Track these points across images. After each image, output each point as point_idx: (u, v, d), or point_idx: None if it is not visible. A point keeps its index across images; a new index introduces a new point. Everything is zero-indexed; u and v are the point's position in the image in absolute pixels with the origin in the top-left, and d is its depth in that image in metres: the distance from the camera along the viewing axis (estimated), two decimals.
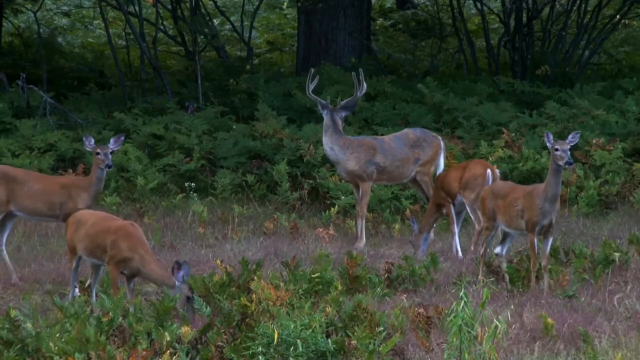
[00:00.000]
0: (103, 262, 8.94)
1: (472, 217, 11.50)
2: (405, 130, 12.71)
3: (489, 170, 11.46)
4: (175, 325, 7.69)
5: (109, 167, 10.36)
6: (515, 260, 9.94)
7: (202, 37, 18.32)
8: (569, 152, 9.40)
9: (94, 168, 10.44)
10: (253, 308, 8.11)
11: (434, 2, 21.03)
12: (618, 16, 19.43)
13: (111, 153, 10.37)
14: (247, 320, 7.90)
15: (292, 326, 7.50)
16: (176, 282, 8.58)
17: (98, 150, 10.32)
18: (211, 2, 20.89)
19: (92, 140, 10.43)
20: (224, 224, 12.77)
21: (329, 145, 12.14)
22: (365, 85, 12.41)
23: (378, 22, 23.21)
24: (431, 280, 9.89)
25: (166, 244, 11.89)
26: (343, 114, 12.26)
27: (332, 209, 12.82)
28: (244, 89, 17.53)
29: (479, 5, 19.67)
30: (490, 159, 13.94)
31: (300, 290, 8.88)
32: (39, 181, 10.71)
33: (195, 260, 11.03)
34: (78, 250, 9.12)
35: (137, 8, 17.77)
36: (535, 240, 9.50)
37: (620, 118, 15.50)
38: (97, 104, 17.16)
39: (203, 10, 18.74)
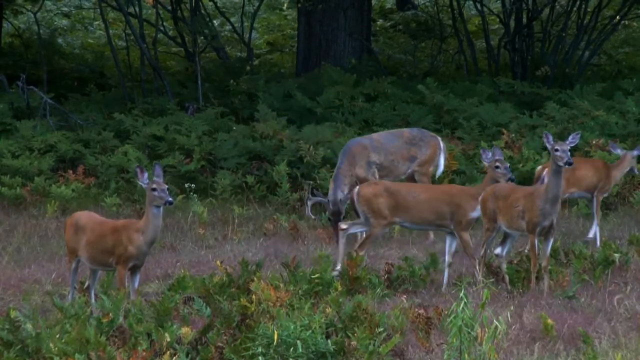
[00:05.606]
0: None
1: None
2: (402, 129, 12.72)
3: None
4: (175, 326, 7.69)
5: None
6: (515, 261, 9.94)
7: (202, 38, 18.32)
8: (569, 153, 9.41)
9: None
10: (253, 309, 8.10)
11: (434, 3, 21.04)
12: (618, 17, 19.41)
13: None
14: (247, 321, 7.90)
15: (292, 327, 7.50)
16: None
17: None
18: (211, 3, 20.88)
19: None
20: (224, 225, 12.76)
21: (347, 185, 12.02)
22: None
23: (378, 23, 23.22)
24: (431, 281, 9.89)
25: (166, 244, 11.89)
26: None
27: None
28: (244, 89, 17.51)
29: (479, 6, 19.66)
30: None
31: (300, 291, 8.87)
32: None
33: (195, 261, 11.04)
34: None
35: (137, 9, 17.75)
36: (536, 241, 9.49)
37: (620, 119, 15.50)
38: (97, 105, 17.16)
39: (203, 11, 18.73)
